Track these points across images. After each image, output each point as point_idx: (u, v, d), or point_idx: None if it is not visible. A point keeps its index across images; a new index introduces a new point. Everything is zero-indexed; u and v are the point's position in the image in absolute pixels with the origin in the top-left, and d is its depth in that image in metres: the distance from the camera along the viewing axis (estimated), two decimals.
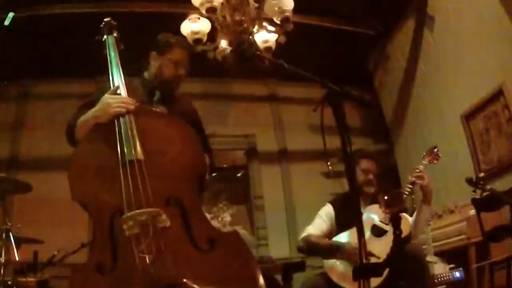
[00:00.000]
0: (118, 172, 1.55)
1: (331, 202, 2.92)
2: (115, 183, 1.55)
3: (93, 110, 1.75)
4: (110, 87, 1.81)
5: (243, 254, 1.57)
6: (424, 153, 2.81)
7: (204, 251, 1.51)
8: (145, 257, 1.40)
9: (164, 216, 1.48)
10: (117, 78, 1.83)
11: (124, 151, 1.59)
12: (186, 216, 1.56)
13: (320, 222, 2.85)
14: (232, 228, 3.93)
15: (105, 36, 2.05)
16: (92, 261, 1.50)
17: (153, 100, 2.05)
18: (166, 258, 1.42)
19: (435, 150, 2.80)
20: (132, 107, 1.69)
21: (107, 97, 1.73)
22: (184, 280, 1.41)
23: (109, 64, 1.89)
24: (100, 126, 1.70)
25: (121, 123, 1.65)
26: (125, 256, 1.46)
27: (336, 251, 2.61)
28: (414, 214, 2.68)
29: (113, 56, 1.93)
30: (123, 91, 1.78)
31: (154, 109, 1.94)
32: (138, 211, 1.47)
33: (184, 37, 3.05)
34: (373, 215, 2.69)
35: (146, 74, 2.17)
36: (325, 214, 2.87)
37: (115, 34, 2.05)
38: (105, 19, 2.09)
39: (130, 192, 1.51)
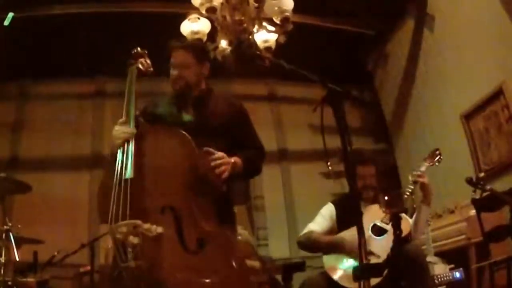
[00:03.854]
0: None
1: (333, 202, 2.93)
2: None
3: None
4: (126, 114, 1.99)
5: (232, 253, 1.73)
6: (426, 155, 2.80)
7: (193, 252, 1.65)
8: (127, 265, 1.57)
9: (146, 225, 1.65)
10: (129, 110, 1.99)
11: (120, 173, 1.81)
12: (179, 222, 1.71)
13: (321, 220, 2.86)
14: None
15: (132, 65, 2.15)
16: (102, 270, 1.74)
17: (184, 106, 2.16)
18: (155, 265, 1.60)
19: (437, 152, 2.79)
20: (131, 137, 1.90)
21: (114, 130, 1.95)
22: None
23: (126, 93, 2.04)
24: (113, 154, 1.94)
25: (121, 148, 1.89)
26: (116, 264, 1.64)
27: (336, 246, 2.63)
28: (414, 215, 2.69)
29: (129, 87, 2.06)
30: (131, 122, 1.96)
31: (151, 128, 2.07)
32: (118, 223, 1.66)
33: (184, 37, 3.05)
34: (373, 215, 2.69)
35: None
36: (327, 212, 2.88)
37: (139, 65, 2.15)
38: (135, 50, 2.20)
39: (118, 208, 1.70)
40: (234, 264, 1.69)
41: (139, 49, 2.20)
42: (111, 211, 1.70)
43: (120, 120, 1.97)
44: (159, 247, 1.64)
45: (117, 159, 1.86)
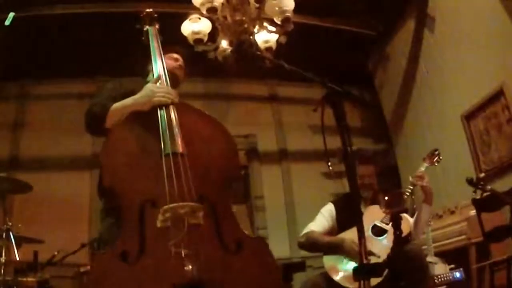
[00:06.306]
0: (158, 163, 1.56)
1: (333, 202, 2.93)
2: (153, 173, 1.55)
3: (134, 97, 1.77)
4: (152, 76, 1.85)
5: (269, 260, 1.58)
6: (425, 156, 2.81)
7: (232, 252, 1.52)
8: (181, 251, 1.37)
9: (201, 213, 1.46)
10: (160, 68, 1.88)
11: (166, 142, 1.60)
12: (216, 215, 1.56)
13: (321, 219, 2.86)
14: None
15: (146, 27, 2.11)
16: (117, 249, 1.45)
17: None
18: (199, 255, 1.39)
19: (436, 152, 2.80)
20: (176, 100, 1.74)
21: (151, 85, 1.77)
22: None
23: (151, 54, 1.95)
24: (139, 114, 1.71)
25: (164, 114, 1.67)
26: (155, 247, 1.43)
27: (336, 247, 2.62)
28: (415, 214, 2.69)
29: (155, 46, 1.98)
30: (164, 80, 1.83)
31: (194, 107, 1.96)
32: (180, 203, 1.44)
33: (184, 37, 3.05)
34: (373, 216, 2.69)
35: (149, 78, 2.22)
36: (327, 212, 2.88)
37: (157, 26, 2.11)
38: (147, 10, 2.17)
39: (173, 184, 1.50)
40: (272, 277, 1.56)
41: (152, 11, 2.16)
42: (168, 188, 1.48)
43: (155, 79, 1.82)
44: (195, 238, 1.42)
45: (161, 123, 1.64)
